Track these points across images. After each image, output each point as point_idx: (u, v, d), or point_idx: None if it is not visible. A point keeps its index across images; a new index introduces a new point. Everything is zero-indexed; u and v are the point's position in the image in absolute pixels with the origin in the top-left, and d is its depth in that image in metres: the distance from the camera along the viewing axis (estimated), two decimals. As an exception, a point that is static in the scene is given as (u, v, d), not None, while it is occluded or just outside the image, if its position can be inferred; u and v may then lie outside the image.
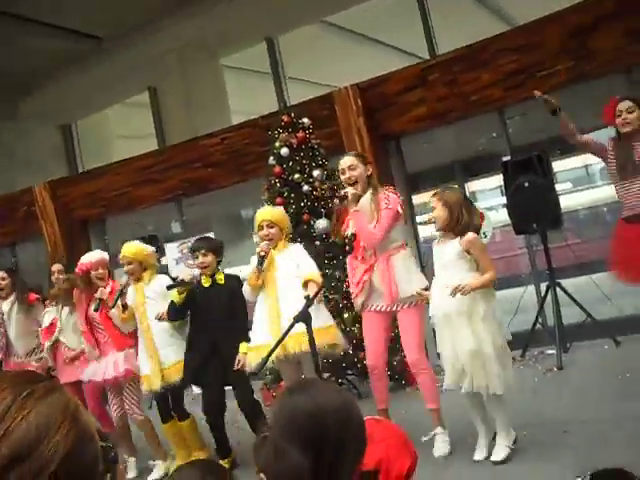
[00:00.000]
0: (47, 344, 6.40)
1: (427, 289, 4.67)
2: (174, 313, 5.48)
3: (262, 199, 7.45)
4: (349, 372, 7.14)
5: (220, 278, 5.50)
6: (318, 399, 1.67)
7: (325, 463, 1.63)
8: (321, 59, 11.66)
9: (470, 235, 4.31)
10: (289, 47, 10.82)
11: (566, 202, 7.36)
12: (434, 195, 4.49)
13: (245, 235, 5.38)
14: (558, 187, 7.21)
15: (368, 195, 4.83)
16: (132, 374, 5.77)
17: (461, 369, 4.34)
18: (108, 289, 5.82)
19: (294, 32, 10.82)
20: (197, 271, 5.64)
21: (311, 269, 5.00)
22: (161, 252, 9.74)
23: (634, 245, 4.93)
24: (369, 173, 4.90)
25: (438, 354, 4.73)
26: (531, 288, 8.06)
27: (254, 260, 5.10)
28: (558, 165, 6.98)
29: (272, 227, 5.16)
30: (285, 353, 4.76)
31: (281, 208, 5.78)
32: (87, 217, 11.05)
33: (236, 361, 5.14)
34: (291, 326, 3.76)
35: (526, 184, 6.88)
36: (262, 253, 5.04)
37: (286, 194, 7.29)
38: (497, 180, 8.31)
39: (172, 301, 5.42)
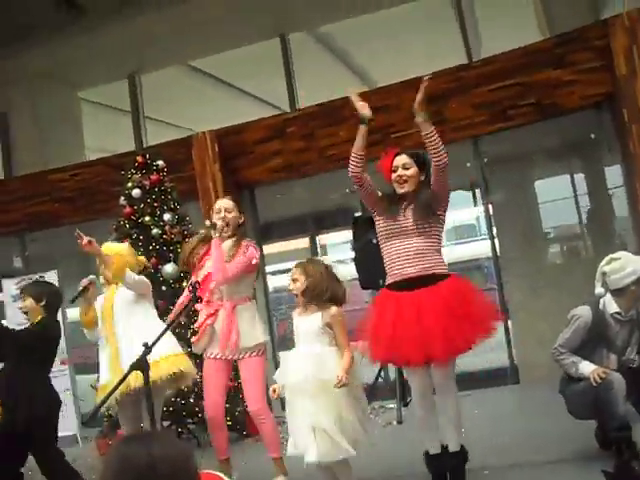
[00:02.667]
0: None
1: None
2: None
3: (110, 239, 7.23)
4: (189, 421, 6.98)
5: (38, 322, 4.92)
6: (153, 450, 1.60)
7: None
8: (182, 102, 11.59)
9: (333, 309, 4.27)
10: (151, 87, 10.70)
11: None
12: (297, 266, 4.36)
13: (92, 274, 5.23)
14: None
15: (230, 241, 4.85)
16: None
17: (314, 438, 4.03)
18: None
19: (158, 72, 10.73)
20: None
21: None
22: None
23: (387, 318, 4.21)
24: (241, 221, 4.96)
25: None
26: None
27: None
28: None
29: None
30: (126, 390, 4.53)
31: (125, 244, 5.59)
32: None
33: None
34: (127, 373, 3.64)
35: (374, 240, 6.99)
36: (80, 287, 4.85)
37: (135, 236, 7.11)
38: (348, 234, 8.47)
39: None
